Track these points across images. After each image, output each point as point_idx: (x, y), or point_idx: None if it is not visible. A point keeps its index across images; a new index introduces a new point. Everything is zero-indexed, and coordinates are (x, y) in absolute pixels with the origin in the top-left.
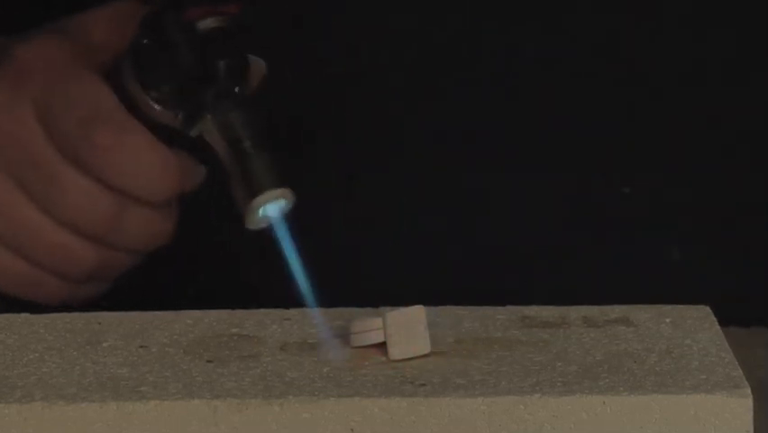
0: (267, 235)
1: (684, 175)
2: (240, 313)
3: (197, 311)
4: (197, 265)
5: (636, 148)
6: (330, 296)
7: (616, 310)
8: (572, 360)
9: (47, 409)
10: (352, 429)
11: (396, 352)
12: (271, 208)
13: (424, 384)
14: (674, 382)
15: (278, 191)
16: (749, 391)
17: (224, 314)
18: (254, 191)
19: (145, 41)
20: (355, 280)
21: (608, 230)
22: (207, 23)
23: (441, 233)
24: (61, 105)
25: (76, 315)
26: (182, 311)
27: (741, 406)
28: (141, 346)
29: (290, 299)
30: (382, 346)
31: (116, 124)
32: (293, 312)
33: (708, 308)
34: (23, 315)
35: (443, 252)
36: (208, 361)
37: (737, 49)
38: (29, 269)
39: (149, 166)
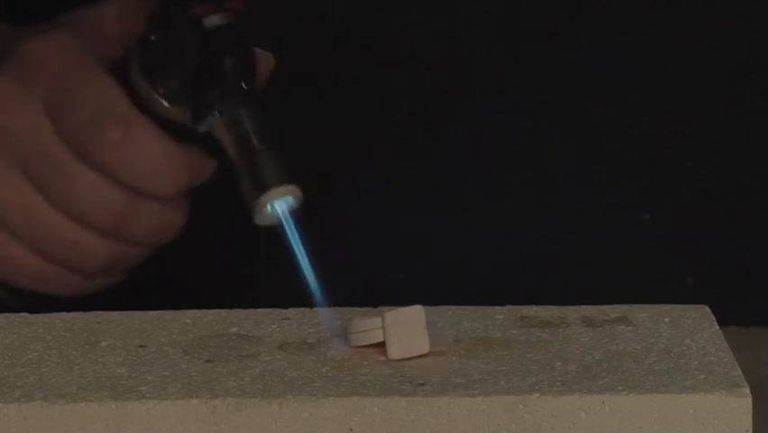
0: (266, 235)
1: (684, 176)
2: (239, 312)
3: (196, 311)
4: (197, 265)
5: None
6: (330, 296)
7: (615, 310)
8: (571, 359)
9: (46, 408)
10: (351, 429)
11: (395, 351)
12: (279, 205)
13: (423, 384)
14: (673, 382)
15: (286, 188)
16: (748, 390)
17: (223, 313)
18: (262, 188)
19: (152, 37)
20: (355, 281)
21: (608, 231)
22: (213, 20)
23: (441, 233)
24: (70, 100)
25: (75, 314)
26: (181, 311)
27: (740, 406)
28: (141, 346)
29: (290, 298)
30: (381, 346)
31: (124, 120)
32: (292, 312)
33: (707, 308)
34: (22, 314)
35: (443, 252)
36: (207, 360)
37: (761, 83)
38: (43, 263)
39: (156, 161)
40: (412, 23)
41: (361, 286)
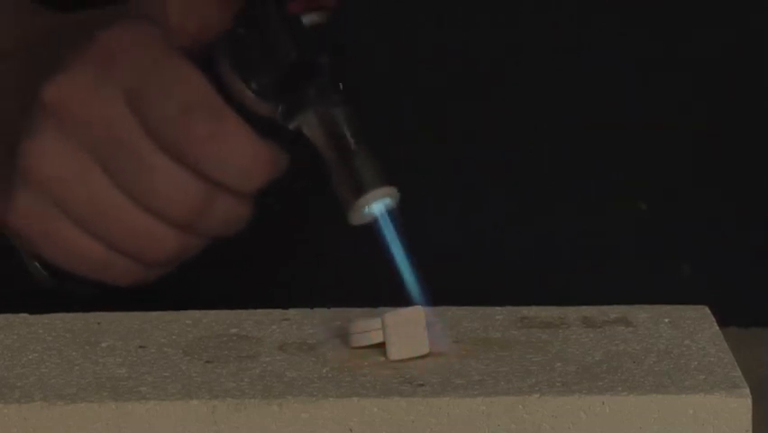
0: (266, 235)
1: (684, 177)
2: (239, 313)
3: (196, 311)
4: (197, 265)
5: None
6: (330, 296)
7: (615, 310)
8: (571, 360)
9: (46, 408)
10: (350, 429)
11: (394, 352)
12: (376, 206)
13: (422, 384)
14: (673, 383)
15: (385, 189)
16: (748, 391)
17: (222, 314)
18: (362, 189)
19: (243, 31)
20: (355, 280)
21: (608, 231)
22: (312, 18)
23: (441, 233)
24: (157, 91)
25: (75, 315)
26: (181, 311)
27: (740, 406)
28: (140, 347)
29: (290, 298)
30: (381, 347)
31: (216, 115)
32: (292, 312)
33: (706, 309)
34: (22, 315)
35: (444, 252)
36: (207, 361)
37: (755, 73)
38: (106, 252)
39: (246, 158)
40: (413, 23)
41: (362, 286)
